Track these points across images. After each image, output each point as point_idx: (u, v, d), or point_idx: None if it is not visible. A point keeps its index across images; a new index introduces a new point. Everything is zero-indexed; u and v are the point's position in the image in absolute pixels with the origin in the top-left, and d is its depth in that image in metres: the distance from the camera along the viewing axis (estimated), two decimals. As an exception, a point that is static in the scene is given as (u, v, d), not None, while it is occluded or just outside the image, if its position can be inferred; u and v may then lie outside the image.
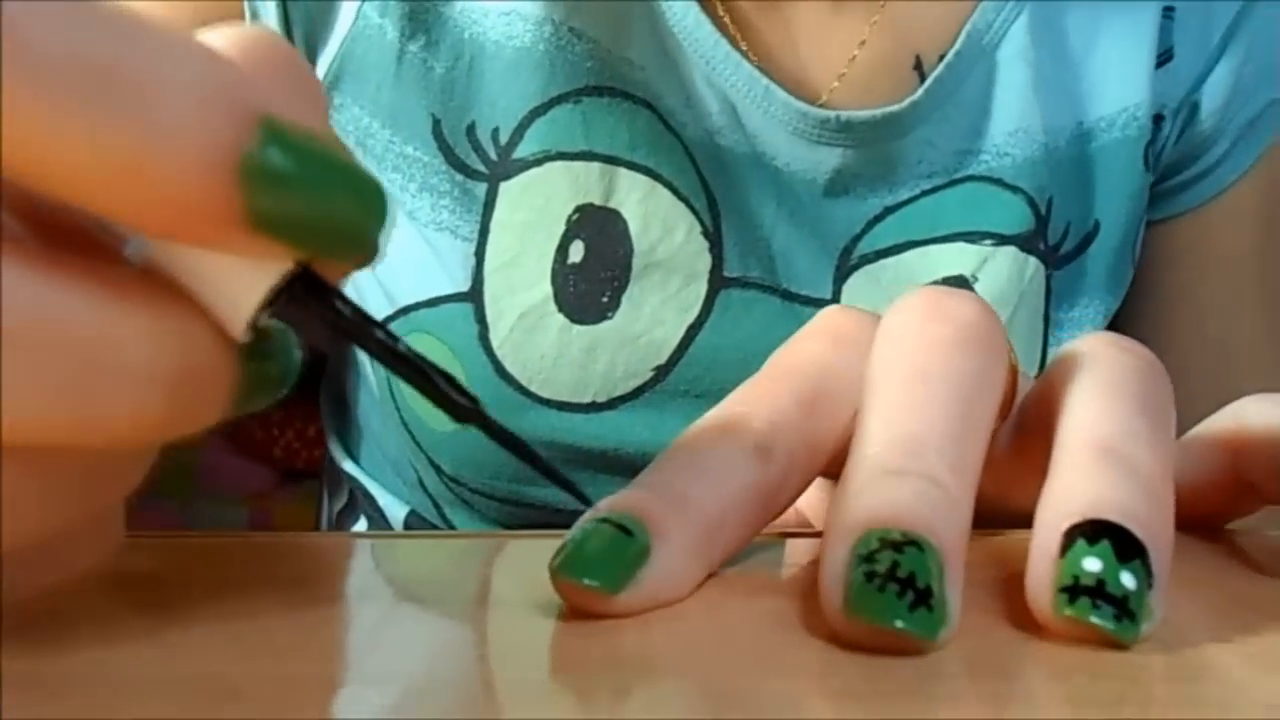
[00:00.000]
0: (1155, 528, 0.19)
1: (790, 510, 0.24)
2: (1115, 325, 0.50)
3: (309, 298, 0.16)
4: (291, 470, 1.44)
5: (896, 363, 0.22)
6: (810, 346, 0.24)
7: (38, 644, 0.17)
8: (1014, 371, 0.23)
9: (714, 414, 0.22)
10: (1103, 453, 0.20)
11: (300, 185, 0.15)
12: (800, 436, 0.22)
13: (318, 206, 0.15)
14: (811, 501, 0.28)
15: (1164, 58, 0.47)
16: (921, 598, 0.17)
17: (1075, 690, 0.17)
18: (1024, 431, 0.24)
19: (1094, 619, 0.18)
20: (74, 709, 0.15)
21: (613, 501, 0.20)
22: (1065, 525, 0.19)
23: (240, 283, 0.16)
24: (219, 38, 0.16)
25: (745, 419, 0.22)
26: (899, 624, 0.17)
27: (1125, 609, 0.18)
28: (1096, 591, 0.18)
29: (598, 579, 0.19)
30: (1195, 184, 0.50)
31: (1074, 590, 0.18)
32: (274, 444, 1.45)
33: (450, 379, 0.18)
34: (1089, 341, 0.23)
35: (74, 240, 0.16)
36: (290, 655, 0.18)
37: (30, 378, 0.14)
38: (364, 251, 0.16)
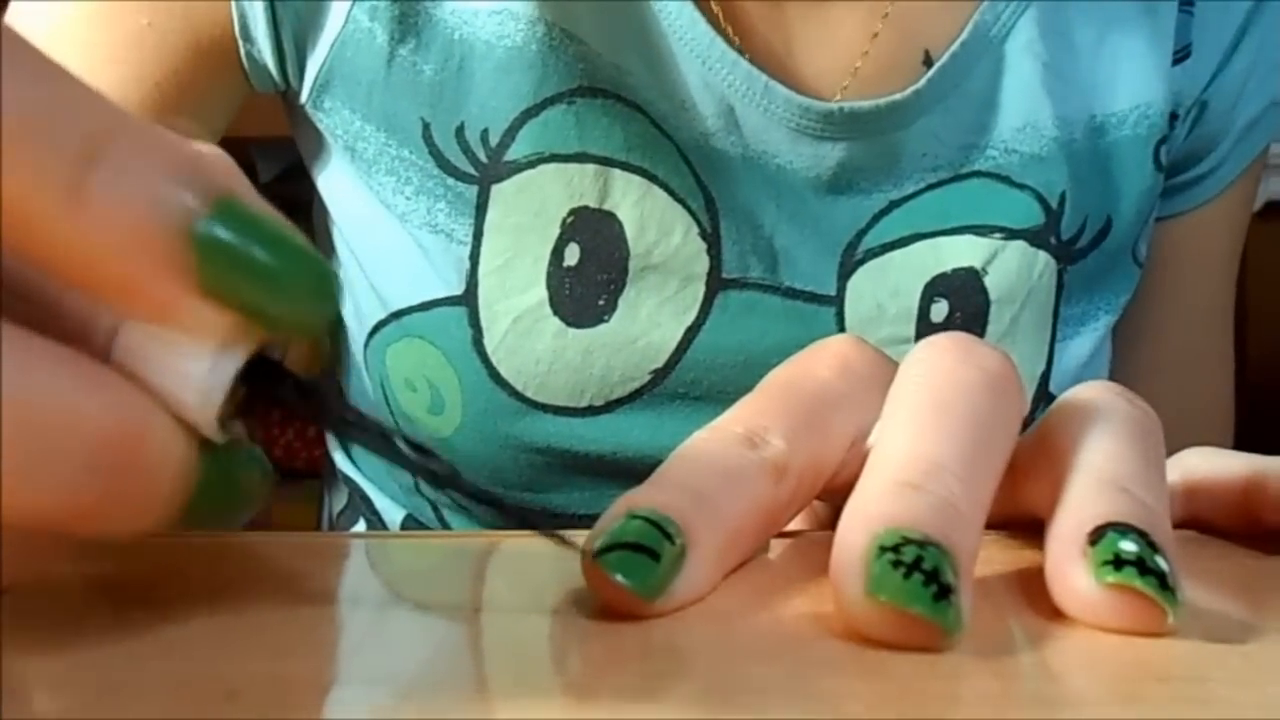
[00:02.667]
0: (1170, 548, 0.19)
1: None
2: None
3: (269, 383, 0.17)
4: (291, 470, 1.44)
5: (923, 392, 0.22)
6: (820, 371, 0.24)
7: (38, 644, 0.17)
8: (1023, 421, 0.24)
9: (732, 421, 0.22)
10: (1115, 486, 0.21)
11: (251, 254, 0.16)
12: (810, 460, 0.22)
13: (268, 276, 0.16)
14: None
15: (1181, 54, 0.46)
16: (944, 592, 0.18)
17: (1075, 690, 0.17)
18: (1015, 466, 0.24)
19: (1140, 584, 0.18)
20: (74, 709, 0.15)
21: (647, 496, 0.20)
22: (1089, 526, 0.19)
23: (205, 372, 0.16)
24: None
25: (765, 434, 0.22)
26: (921, 609, 0.17)
27: (1165, 583, 0.18)
28: (1137, 565, 0.18)
29: (636, 582, 0.19)
30: (1197, 184, 0.49)
31: (1116, 563, 0.19)
32: (274, 444, 1.45)
33: (422, 449, 0.19)
34: (1097, 389, 0.24)
35: (53, 326, 0.16)
36: (289, 655, 0.18)
37: None
38: (313, 328, 0.17)
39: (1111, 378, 0.47)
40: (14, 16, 0.41)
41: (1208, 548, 0.26)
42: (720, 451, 0.22)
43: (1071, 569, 0.19)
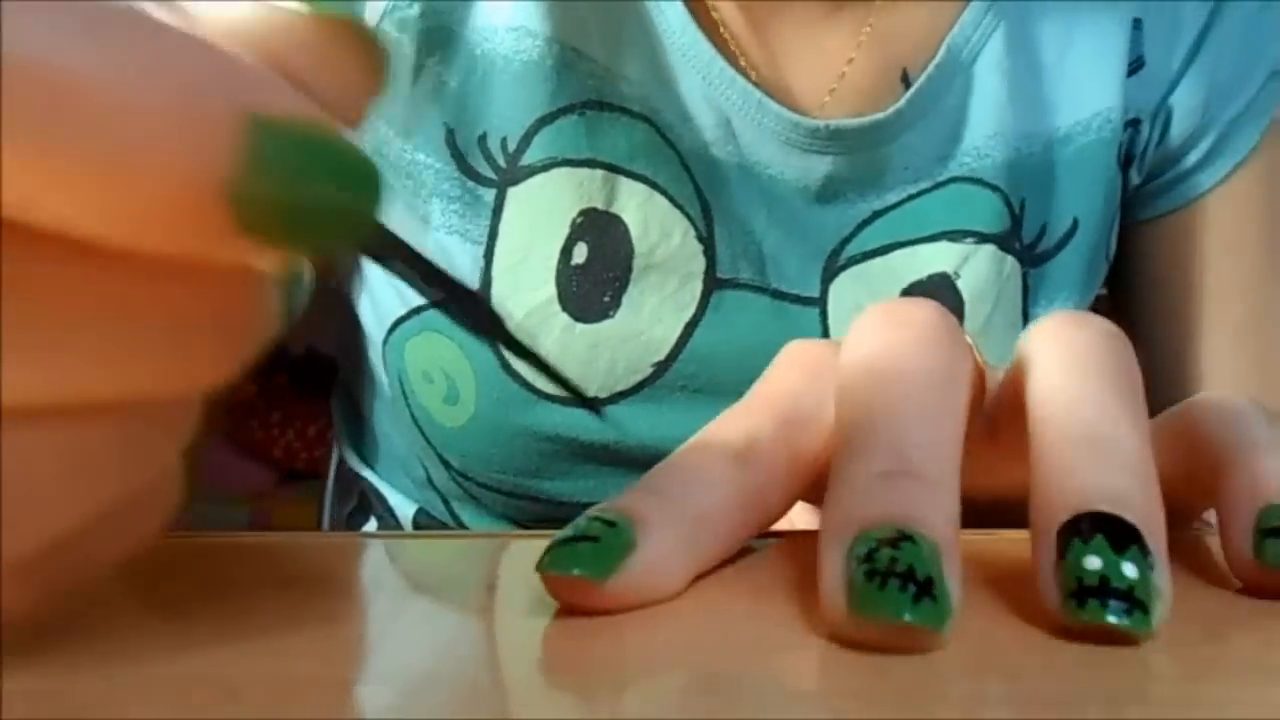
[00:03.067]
0: (1145, 506, 0.19)
1: (785, 525, 0.25)
2: (1138, 327, 0.51)
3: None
4: (291, 470, 1.44)
5: (861, 369, 0.22)
6: (781, 377, 0.25)
7: (38, 644, 0.17)
8: (979, 366, 0.24)
9: (697, 438, 0.23)
10: (1081, 440, 0.20)
11: (292, 189, 0.14)
12: (777, 446, 0.23)
13: (311, 206, 0.14)
14: (807, 522, 0.28)
15: (1135, 66, 0.49)
16: (924, 589, 0.18)
17: (1075, 690, 0.17)
18: (999, 420, 0.25)
19: (1108, 619, 0.18)
20: (74, 709, 0.15)
21: (601, 505, 0.21)
22: (1057, 525, 0.19)
23: None
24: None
25: (724, 435, 0.23)
26: (906, 617, 0.17)
27: (1133, 600, 0.18)
28: (1102, 590, 0.18)
29: (584, 568, 0.19)
30: (1186, 179, 0.51)
31: (1080, 593, 0.18)
32: (274, 444, 1.45)
33: (479, 298, 0.18)
34: (1047, 323, 0.24)
35: None
36: (290, 655, 0.18)
37: (132, 340, 0.14)
38: (368, 231, 0.16)
39: (1175, 375, 0.49)
40: None
41: (1206, 546, 0.25)
42: (680, 459, 0.23)
43: (1048, 597, 0.19)
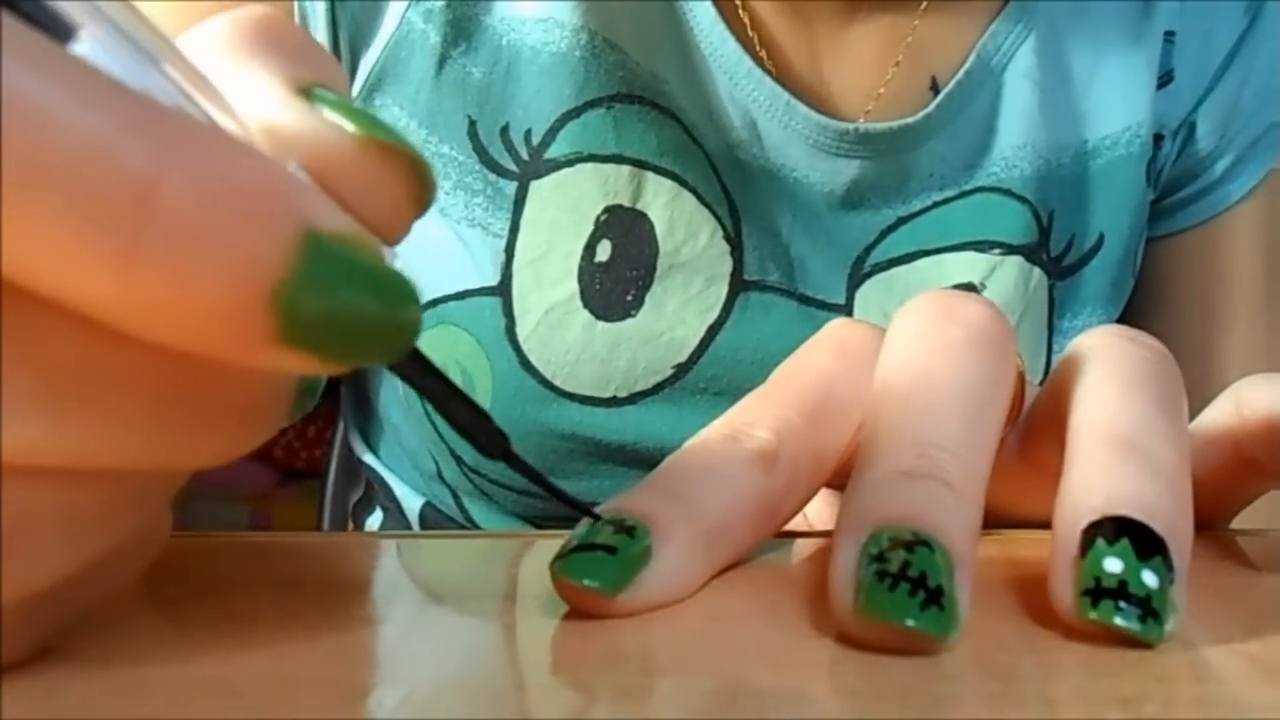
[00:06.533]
0: (1174, 521, 0.19)
1: (799, 518, 0.24)
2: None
3: None
4: (291, 470, 1.44)
5: (906, 365, 0.22)
6: (815, 358, 0.24)
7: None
8: (1021, 375, 0.24)
9: (720, 423, 0.23)
10: (1119, 446, 0.20)
11: (338, 304, 0.14)
12: (805, 446, 0.22)
13: (353, 323, 0.14)
14: (819, 510, 0.28)
15: (1164, 79, 0.49)
16: (933, 597, 0.17)
17: (1079, 690, 0.17)
18: (1034, 436, 0.24)
19: (1118, 621, 0.18)
20: (74, 709, 0.15)
21: (617, 503, 0.21)
22: (1084, 523, 0.19)
23: None
24: (222, 33, 0.16)
25: (750, 429, 0.22)
26: (910, 623, 0.17)
27: (1149, 608, 0.18)
28: (1119, 593, 0.18)
29: (597, 580, 0.19)
30: (1199, 199, 0.51)
31: (1096, 593, 0.18)
32: (274, 444, 1.45)
33: (482, 411, 0.19)
34: (1097, 335, 0.23)
35: None
36: (290, 655, 0.18)
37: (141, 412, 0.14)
38: (405, 349, 0.15)
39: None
40: None
41: (1210, 546, 0.25)
42: (702, 452, 0.22)
43: (1061, 593, 0.19)
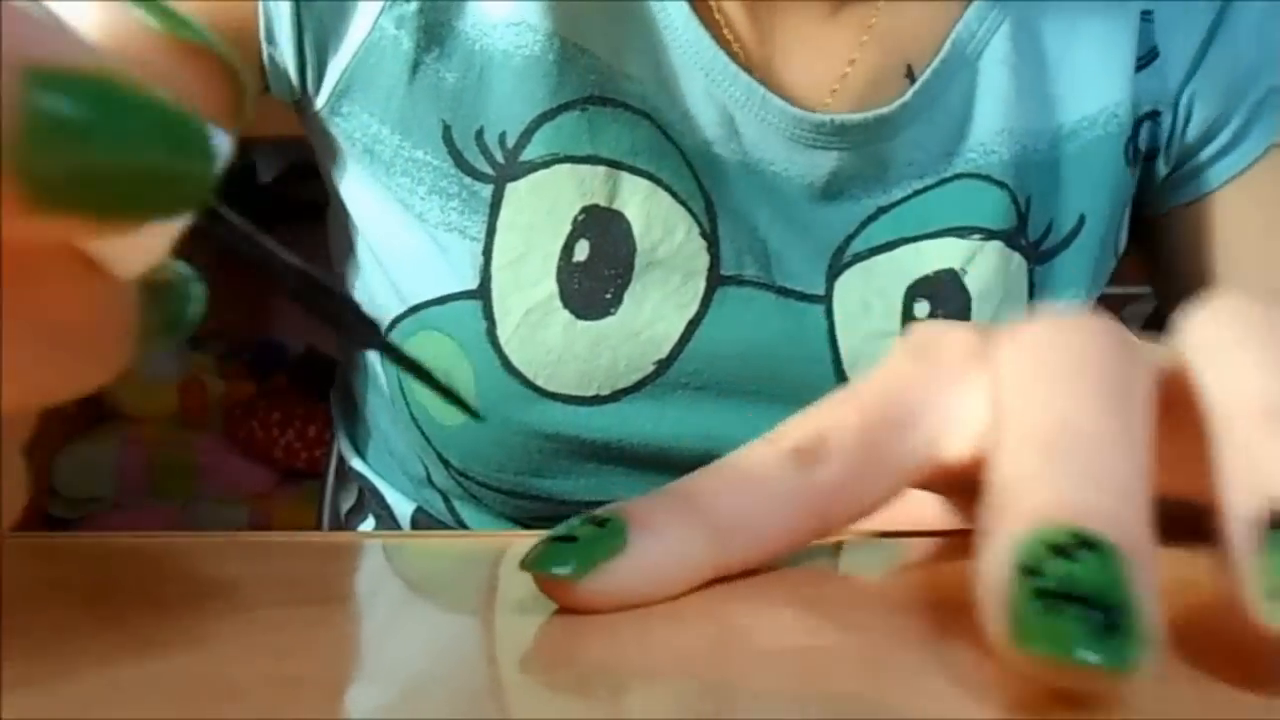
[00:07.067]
0: None
1: (898, 517, 0.23)
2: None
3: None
4: (291, 470, 1.44)
5: (1036, 359, 0.20)
6: (893, 368, 0.23)
7: (38, 644, 0.17)
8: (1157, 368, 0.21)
9: (771, 433, 0.22)
10: (1273, 417, 0.18)
11: (87, 150, 0.12)
12: (857, 438, 0.21)
13: (116, 170, 0.12)
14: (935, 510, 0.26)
15: (1148, 58, 0.49)
16: (1113, 618, 0.14)
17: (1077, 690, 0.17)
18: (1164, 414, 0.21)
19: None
20: (74, 709, 0.15)
21: (608, 505, 0.21)
22: (1256, 516, 0.17)
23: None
24: None
25: (788, 427, 0.21)
26: (1084, 655, 0.14)
27: None
28: None
29: (560, 566, 0.19)
30: (1215, 162, 0.51)
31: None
32: (274, 444, 1.45)
33: (352, 305, 0.18)
34: (1219, 302, 0.21)
35: None
36: (291, 655, 0.18)
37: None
38: (197, 200, 0.13)
39: None
40: None
41: (1200, 545, 0.25)
42: (734, 455, 0.21)
43: (1244, 598, 0.16)
